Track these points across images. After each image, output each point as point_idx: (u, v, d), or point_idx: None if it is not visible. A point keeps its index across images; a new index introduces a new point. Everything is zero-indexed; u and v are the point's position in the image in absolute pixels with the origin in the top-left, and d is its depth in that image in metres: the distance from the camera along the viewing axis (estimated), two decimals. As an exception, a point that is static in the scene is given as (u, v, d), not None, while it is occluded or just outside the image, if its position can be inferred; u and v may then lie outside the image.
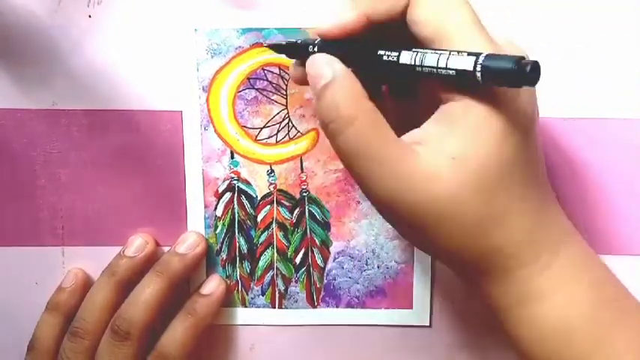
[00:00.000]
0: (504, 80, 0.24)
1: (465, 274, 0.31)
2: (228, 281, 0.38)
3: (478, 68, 0.24)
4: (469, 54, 0.25)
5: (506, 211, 0.27)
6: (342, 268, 0.38)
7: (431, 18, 0.27)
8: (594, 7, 0.35)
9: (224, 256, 0.38)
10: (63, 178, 0.37)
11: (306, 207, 0.37)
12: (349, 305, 0.38)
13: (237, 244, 0.38)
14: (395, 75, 0.28)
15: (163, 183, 0.37)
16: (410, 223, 0.28)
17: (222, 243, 0.38)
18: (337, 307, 0.38)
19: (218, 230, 0.38)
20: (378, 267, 0.38)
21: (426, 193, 0.26)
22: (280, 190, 0.37)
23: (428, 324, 0.38)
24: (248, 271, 0.38)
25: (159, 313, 0.35)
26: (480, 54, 0.24)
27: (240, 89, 0.36)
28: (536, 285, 0.28)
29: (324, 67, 0.28)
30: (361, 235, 0.37)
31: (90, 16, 0.36)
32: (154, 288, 0.35)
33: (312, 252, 0.38)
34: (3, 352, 0.39)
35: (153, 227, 0.38)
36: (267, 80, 0.36)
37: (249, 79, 0.36)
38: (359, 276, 0.38)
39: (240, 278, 0.38)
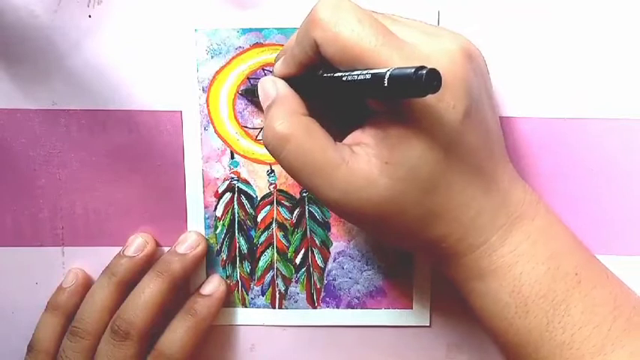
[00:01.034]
0: (410, 91, 0.24)
1: (421, 255, 0.36)
2: (229, 281, 0.38)
3: (385, 84, 0.25)
4: (372, 75, 0.26)
5: (444, 206, 0.28)
6: (343, 268, 0.38)
7: (338, 56, 0.27)
8: (594, 7, 0.35)
9: (224, 256, 0.38)
10: (63, 178, 0.37)
11: (306, 207, 0.37)
12: (349, 306, 0.38)
13: (238, 244, 0.38)
14: (341, 92, 0.29)
15: (163, 183, 0.37)
16: (358, 222, 0.32)
17: (222, 243, 0.38)
18: (337, 307, 0.38)
19: (218, 230, 0.38)
20: (378, 267, 0.38)
21: (366, 198, 0.28)
22: (280, 191, 0.37)
23: (428, 324, 0.38)
24: (248, 271, 0.38)
25: (159, 314, 0.35)
26: (384, 74, 0.25)
27: (240, 89, 0.36)
28: (487, 263, 0.30)
29: (270, 88, 0.30)
30: (361, 235, 0.37)
31: (90, 16, 0.36)
32: (153, 288, 0.35)
33: (312, 252, 0.38)
34: (3, 352, 0.39)
35: (153, 227, 0.38)
36: (267, 80, 0.36)
37: (249, 79, 0.36)
38: (359, 276, 0.38)
39: (240, 278, 0.38)
